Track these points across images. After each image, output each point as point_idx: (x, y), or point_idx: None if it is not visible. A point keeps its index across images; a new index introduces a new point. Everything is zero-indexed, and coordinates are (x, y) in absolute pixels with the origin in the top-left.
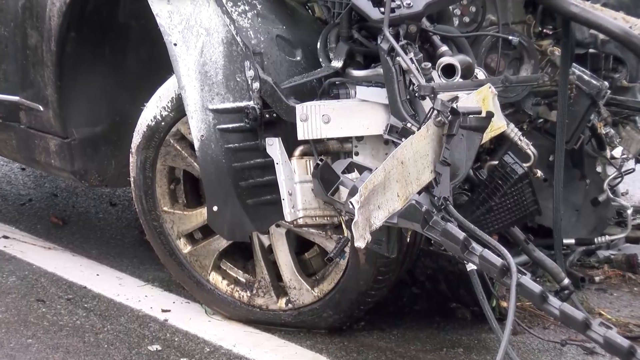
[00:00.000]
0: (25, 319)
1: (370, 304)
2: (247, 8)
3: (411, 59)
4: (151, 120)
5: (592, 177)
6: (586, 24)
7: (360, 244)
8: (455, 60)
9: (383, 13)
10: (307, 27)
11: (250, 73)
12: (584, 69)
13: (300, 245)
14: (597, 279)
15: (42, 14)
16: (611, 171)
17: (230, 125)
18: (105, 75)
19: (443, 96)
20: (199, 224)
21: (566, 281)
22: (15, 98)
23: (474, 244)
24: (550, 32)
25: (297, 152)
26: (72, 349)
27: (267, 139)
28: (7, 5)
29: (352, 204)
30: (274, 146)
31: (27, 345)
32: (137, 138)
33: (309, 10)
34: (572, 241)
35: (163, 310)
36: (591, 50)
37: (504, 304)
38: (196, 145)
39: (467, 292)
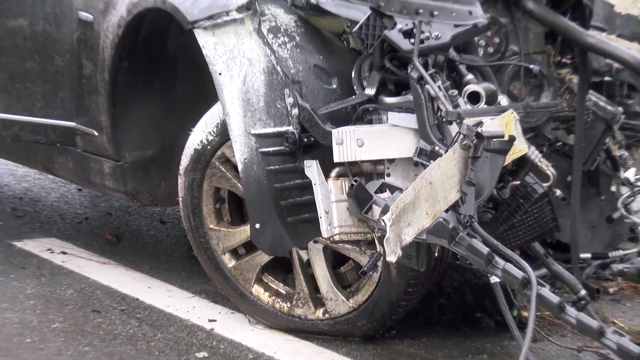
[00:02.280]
0: (82, 328)
1: (401, 314)
2: (286, 39)
3: (439, 86)
4: (198, 144)
5: (607, 196)
6: (602, 53)
7: (391, 258)
8: (480, 87)
9: (413, 44)
10: (342, 57)
11: (289, 100)
12: (599, 96)
13: (336, 259)
14: (611, 290)
15: (96, 45)
16: (625, 190)
17: (271, 149)
18: (155, 102)
19: (469, 121)
20: (243, 241)
21: (582, 292)
22: (72, 124)
23: (497, 258)
24: (569, 62)
25: (333, 173)
26: (125, 356)
27: (305, 162)
28: (64, 37)
29: (384, 221)
30: (312, 168)
31: (84, 352)
32: (185, 161)
33: (344, 42)
34: (589, 255)
35: (209, 320)
36: (606, 78)
37: (525, 314)
38: (240, 167)
39: (491, 303)
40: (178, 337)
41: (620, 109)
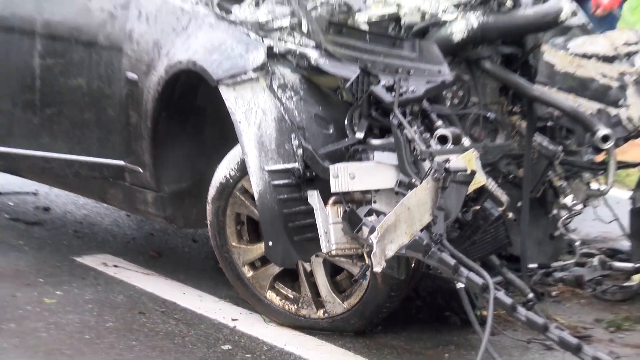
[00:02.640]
0: (130, 327)
1: (385, 314)
2: (292, 94)
3: (415, 131)
4: (222, 178)
5: (550, 218)
6: (545, 103)
7: (378, 269)
8: (447, 131)
9: (394, 97)
10: (337, 108)
11: (295, 142)
12: (543, 137)
13: (333, 269)
14: (553, 293)
15: (140, 99)
16: (564, 213)
17: (281, 182)
18: (188, 145)
19: (439, 158)
20: (258, 255)
21: (530, 295)
22: (121, 163)
23: (462, 268)
24: (519, 110)
25: (331, 201)
26: (165, 349)
27: (308, 192)
28: (114, 93)
29: (371, 239)
30: (314, 197)
31: (132, 346)
32: (212, 192)
33: (339, 95)
34: (535, 265)
35: (232, 319)
36: (549, 123)
37: (485, 313)
38: (256, 197)
39: (457, 304)
40: (207, 333)
41: (560, 148)
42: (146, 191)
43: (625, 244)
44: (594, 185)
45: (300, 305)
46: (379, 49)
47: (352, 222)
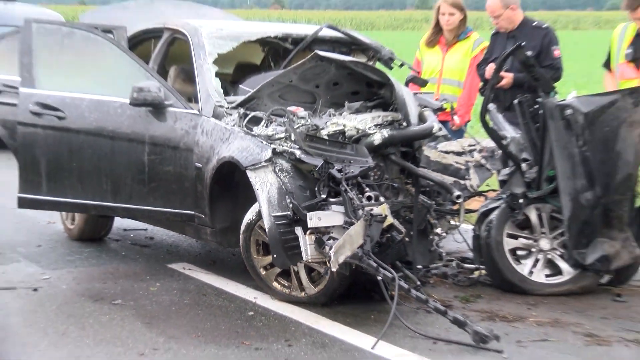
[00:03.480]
0: (197, 302)
1: (338, 293)
2: (287, 174)
3: (353, 194)
4: (248, 220)
5: (428, 240)
6: (425, 178)
7: (334, 269)
8: (372, 194)
9: (342, 175)
10: (311, 181)
11: (288, 201)
12: (424, 196)
13: (309, 269)
14: (431, 282)
15: (203, 178)
16: (436, 238)
17: (280, 222)
18: (229, 202)
19: (367, 209)
20: (268, 262)
21: (418, 283)
22: (192, 212)
23: (380, 268)
24: (410, 182)
25: (308, 232)
26: (217, 314)
27: (296, 227)
28: (188, 174)
29: (330, 253)
30: (299, 230)
31: (198, 313)
32: (242, 228)
33: (312, 174)
34: (420, 266)
35: (254, 298)
36: (427, 189)
37: (393, 293)
38: (267, 230)
39: (378, 288)
40: (240, 305)
41: (433, 202)
42: (206, 228)
43: (470, 254)
44: (453, 222)
45: (291, 289)
46: (333, 149)
47: (319, 244)
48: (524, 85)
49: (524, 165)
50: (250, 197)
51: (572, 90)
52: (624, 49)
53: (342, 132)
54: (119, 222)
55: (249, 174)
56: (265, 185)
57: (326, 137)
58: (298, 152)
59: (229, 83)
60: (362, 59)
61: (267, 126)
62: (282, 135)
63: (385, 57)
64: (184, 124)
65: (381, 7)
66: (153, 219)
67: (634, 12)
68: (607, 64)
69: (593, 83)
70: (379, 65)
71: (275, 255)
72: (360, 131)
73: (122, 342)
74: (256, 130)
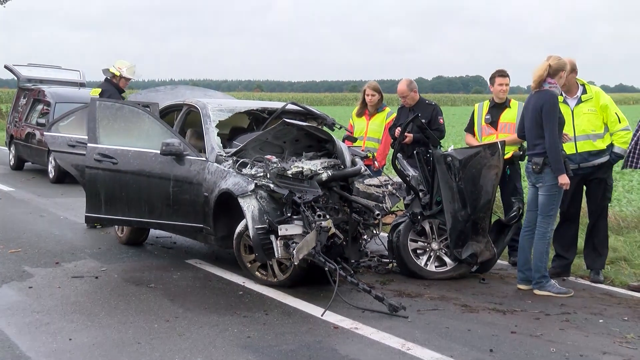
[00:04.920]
0: (205, 285)
1: (300, 278)
2: (265, 200)
3: (308, 213)
4: (239, 230)
5: (359, 243)
6: (356, 202)
7: (296, 262)
8: (321, 213)
9: (301, 200)
10: (281, 204)
11: (265, 217)
12: (356, 214)
13: (280, 263)
14: (361, 271)
15: (209, 202)
16: (363, 242)
17: (260, 232)
18: (226, 218)
19: (318, 223)
20: (252, 259)
21: (352, 272)
22: (202, 225)
23: (327, 262)
24: (346, 205)
25: (279, 238)
26: (218, 293)
27: (271, 235)
28: (200, 200)
29: (294, 252)
30: (273, 237)
31: (206, 293)
32: (235, 235)
33: (281, 200)
34: (354, 261)
35: (242, 282)
36: (358, 209)
37: (335, 278)
38: (251, 237)
39: (330, 275)
40: (233, 287)
41: (362, 218)
42: (211, 235)
43: (386, 253)
44: (375, 231)
45: (267, 276)
46: (295, 183)
47: (286, 246)
48: (420, 142)
49: (420, 194)
50: (240, 215)
51: (451, 145)
52: (483, 116)
53: (301, 172)
54: (153, 233)
55: (240, 200)
56: (250, 207)
57: (290, 175)
58: (272, 185)
59: (226, 140)
60: (314, 124)
61: (251, 168)
62: (261, 174)
63: (329, 122)
64: (197, 167)
65: (326, 90)
66: (175, 230)
67: (491, 86)
68: (468, 129)
69: (464, 141)
70: (325, 129)
71: (256, 254)
72: (313, 171)
73: (154, 312)
74: (244, 171)
